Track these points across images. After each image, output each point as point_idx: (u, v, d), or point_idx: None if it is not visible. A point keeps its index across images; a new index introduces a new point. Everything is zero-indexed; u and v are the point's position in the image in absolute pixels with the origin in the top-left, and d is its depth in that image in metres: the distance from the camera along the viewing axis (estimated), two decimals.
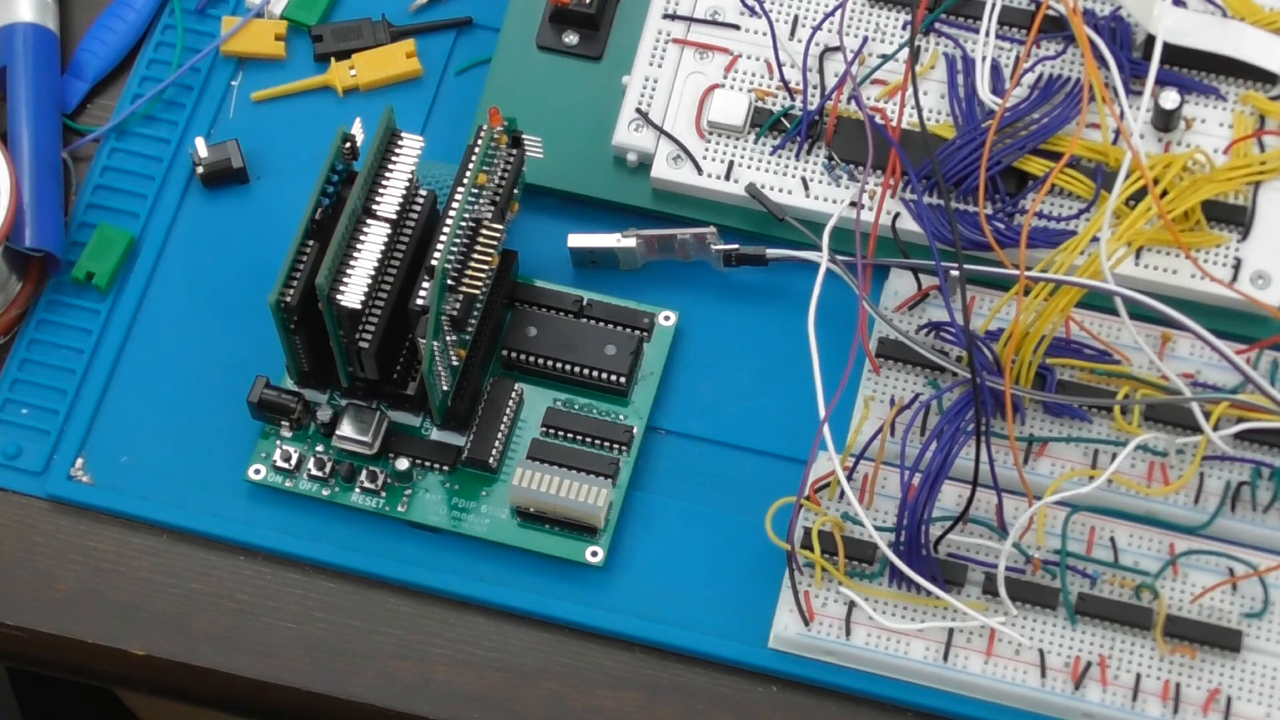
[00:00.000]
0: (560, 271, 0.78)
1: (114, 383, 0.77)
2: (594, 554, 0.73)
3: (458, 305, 0.71)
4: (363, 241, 0.72)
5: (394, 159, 0.73)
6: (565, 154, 0.78)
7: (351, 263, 0.71)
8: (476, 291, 0.72)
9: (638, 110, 0.78)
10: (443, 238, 0.71)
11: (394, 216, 0.72)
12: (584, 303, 0.76)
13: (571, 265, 0.78)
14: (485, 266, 0.72)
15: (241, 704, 0.74)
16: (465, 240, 0.72)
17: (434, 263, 0.71)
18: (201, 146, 0.80)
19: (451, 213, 0.72)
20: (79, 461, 0.76)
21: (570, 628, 0.73)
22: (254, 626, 0.74)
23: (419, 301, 0.71)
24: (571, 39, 0.81)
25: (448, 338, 0.72)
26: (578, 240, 0.77)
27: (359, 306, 0.70)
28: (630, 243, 0.77)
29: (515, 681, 0.72)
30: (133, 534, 0.75)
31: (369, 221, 0.72)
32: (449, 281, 0.71)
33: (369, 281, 0.71)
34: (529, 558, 0.73)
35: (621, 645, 0.73)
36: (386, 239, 0.72)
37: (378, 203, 0.72)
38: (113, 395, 0.77)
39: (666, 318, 0.77)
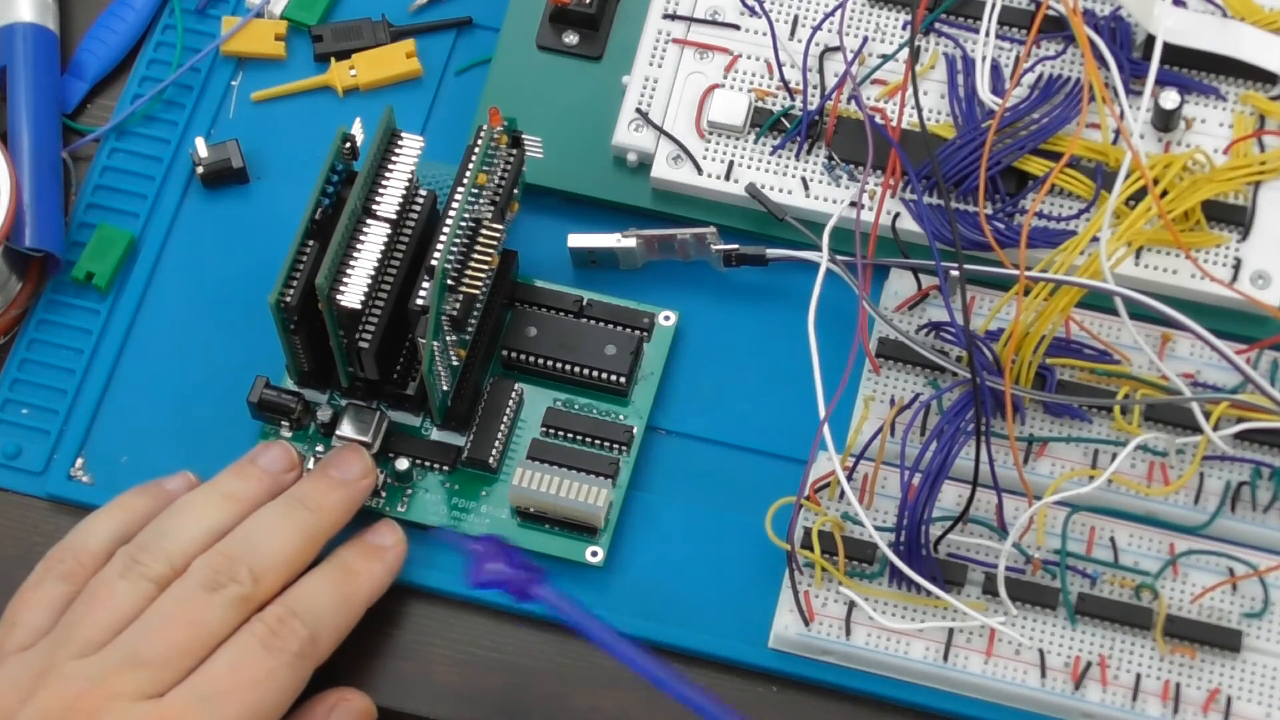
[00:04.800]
0: (560, 271, 0.78)
1: (114, 383, 0.77)
2: (594, 554, 0.73)
3: (458, 305, 0.71)
4: (363, 241, 0.72)
5: (394, 159, 0.73)
6: (565, 154, 0.78)
7: (351, 263, 0.71)
8: (476, 291, 0.72)
9: (638, 110, 0.78)
10: (443, 238, 0.71)
11: (394, 216, 0.72)
12: (584, 303, 0.77)
13: (571, 265, 0.78)
14: (485, 266, 0.72)
15: None
16: (465, 240, 0.72)
17: (434, 263, 0.71)
18: (201, 146, 0.80)
19: (451, 213, 0.72)
20: (79, 461, 0.76)
21: (570, 628, 0.73)
22: None
23: (419, 301, 0.71)
24: (571, 39, 0.81)
25: (448, 338, 0.72)
26: (578, 240, 0.77)
27: (359, 306, 0.70)
28: (630, 243, 0.77)
29: (515, 681, 0.72)
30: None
31: (369, 221, 0.72)
32: (449, 281, 0.71)
33: (369, 281, 0.71)
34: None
35: None
36: (386, 239, 0.72)
37: (378, 203, 0.72)
38: (113, 395, 0.77)
39: (666, 318, 0.77)
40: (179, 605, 0.67)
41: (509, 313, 0.76)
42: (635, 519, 0.74)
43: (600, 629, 0.66)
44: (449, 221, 0.72)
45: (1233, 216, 0.75)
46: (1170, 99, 0.75)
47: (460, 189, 0.72)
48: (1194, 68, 0.77)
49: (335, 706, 0.70)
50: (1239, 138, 0.76)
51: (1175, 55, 0.76)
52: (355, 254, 0.71)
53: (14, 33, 0.82)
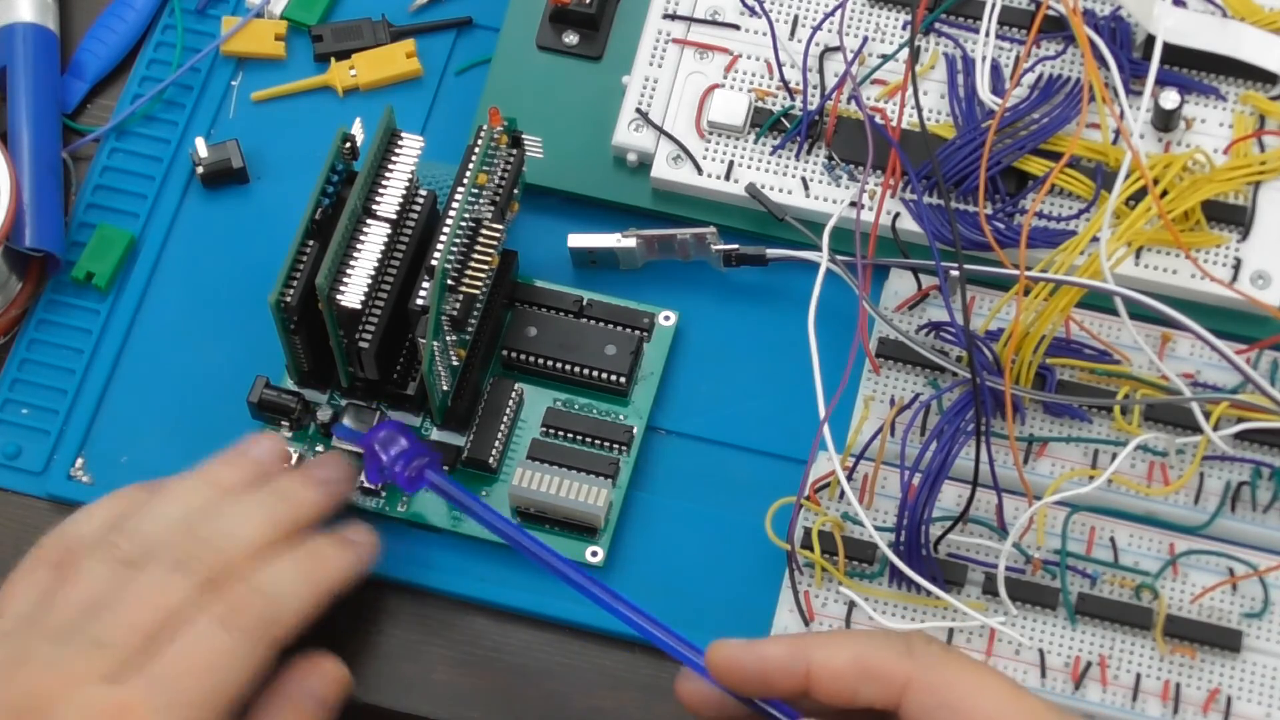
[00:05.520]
0: (560, 271, 0.78)
1: (114, 383, 0.77)
2: (594, 554, 0.73)
3: (458, 305, 0.71)
4: (363, 241, 0.72)
5: (394, 159, 0.73)
6: (565, 154, 0.78)
7: (351, 263, 0.71)
8: (476, 291, 0.72)
9: (638, 110, 0.78)
10: (443, 238, 0.71)
11: (394, 216, 0.72)
12: (584, 303, 0.76)
13: (571, 265, 0.78)
14: (485, 266, 0.72)
15: None
16: (465, 240, 0.72)
17: (434, 263, 0.71)
18: (201, 146, 0.80)
19: (451, 213, 0.72)
20: (79, 461, 0.76)
21: (570, 628, 0.73)
22: None
23: (419, 301, 0.71)
24: (571, 39, 0.81)
25: (448, 338, 0.72)
26: (578, 240, 0.77)
27: (359, 306, 0.70)
28: (630, 243, 0.77)
29: (515, 681, 0.72)
30: None
31: (369, 221, 0.72)
32: (449, 281, 0.71)
33: (369, 281, 0.71)
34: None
35: (621, 645, 0.73)
36: (386, 239, 0.72)
37: (378, 203, 0.72)
38: (113, 395, 0.77)
39: (666, 318, 0.77)
40: (144, 587, 0.67)
41: (509, 313, 0.76)
42: (635, 519, 0.74)
43: (491, 514, 0.68)
44: (449, 221, 0.72)
45: (1233, 216, 0.75)
46: (1170, 99, 0.75)
47: (460, 189, 0.72)
48: (1194, 68, 0.77)
49: (308, 675, 0.69)
50: (1239, 138, 0.76)
51: (1175, 55, 0.76)
52: (355, 254, 0.71)
53: (14, 33, 0.82)
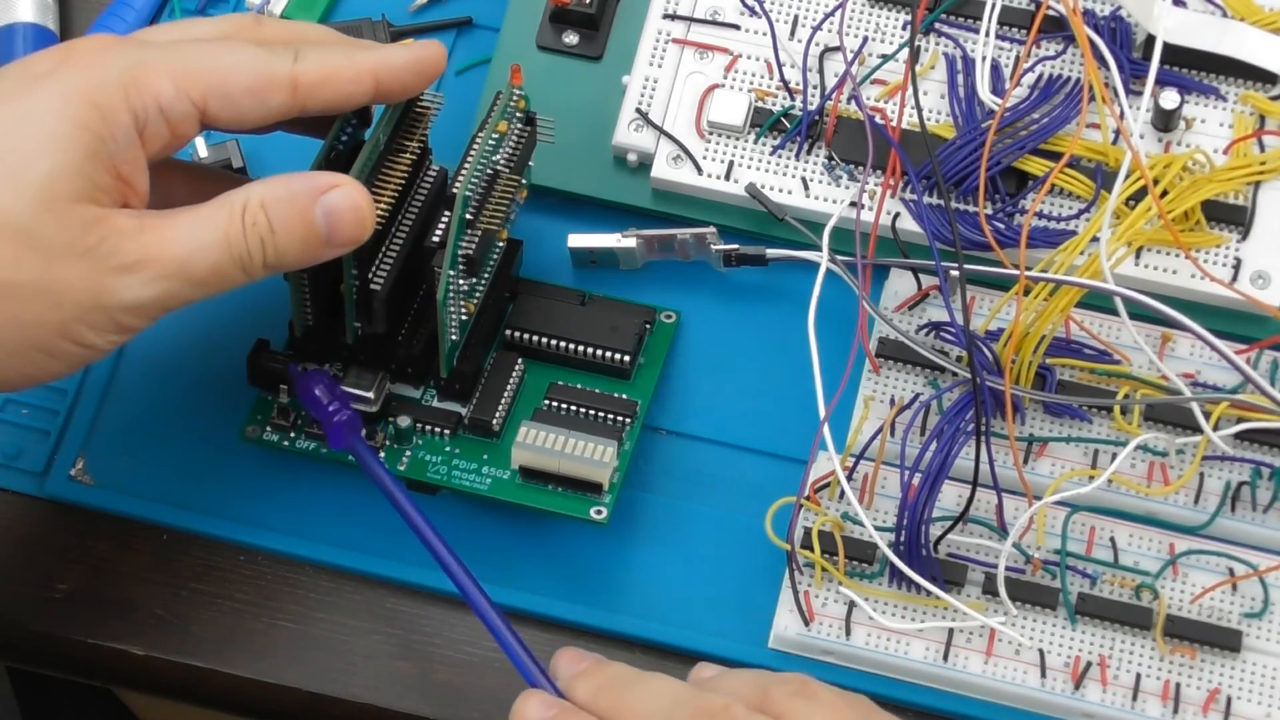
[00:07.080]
0: (561, 272, 0.78)
1: (114, 383, 0.77)
2: (598, 512, 0.72)
3: (474, 242, 0.71)
4: (385, 176, 0.71)
5: (414, 109, 0.72)
6: (565, 154, 0.78)
7: (373, 191, 0.70)
8: (495, 228, 0.72)
9: (638, 110, 0.78)
10: (464, 170, 0.71)
11: (416, 154, 0.72)
12: (585, 297, 0.76)
13: (572, 265, 0.78)
14: (503, 207, 0.72)
15: (241, 704, 0.74)
16: (484, 181, 0.72)
17: (454, 191, 0.70)
18: (201, 146, 0.80)
19: (473, 151, 0.71)
20: (79, 462, 0.76)
21: (570, 628, 0.73)
22: (254, 626, 0.74)
23: (435, 236, 0.70)
24: (571, 39, 0.81)
25: (460, 282, 0.71)
26: (578, 240, 0.78)
27: (379, 226, 0.70)
28: (630, 243, 0.77)
29: (515, 681, 0.72)
30: (133, 534, 0.75)
31: (390, 158, 0.71)
32: (467, 216, 0.70)
33: (387, 213, 0.70)
34: (530, 557, 0.73)
35: (621, 645, 0.73)
36: (406, 176, 0.71)
37: (400, 144, 0.72)
38: (113, 395, 0.77)
39: (667, 317, 0.77)
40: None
41: (510, 305, 0.76)
42: (635, 518, 0.74)
43: (405, 504, 0.70)
44: (470, 157, 0.71)
45: (1233, 216, 0.75)
46: (1170, 99, 0.75)
47: (480, 134, 0.72)
48: (1194, 68, 0.77)
49: (332, 185, 0.67)
50: (1239, 138, 0.76)
51: (1175, 55, 0.76)
52: (376, 187, 0.71)
53: (14, 33, 0.82)
